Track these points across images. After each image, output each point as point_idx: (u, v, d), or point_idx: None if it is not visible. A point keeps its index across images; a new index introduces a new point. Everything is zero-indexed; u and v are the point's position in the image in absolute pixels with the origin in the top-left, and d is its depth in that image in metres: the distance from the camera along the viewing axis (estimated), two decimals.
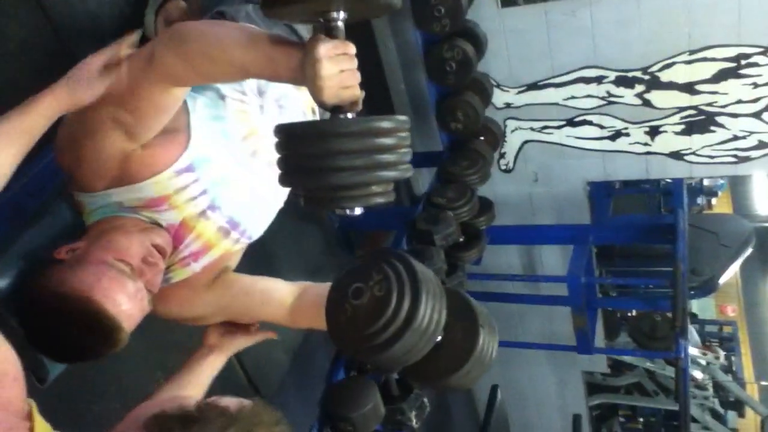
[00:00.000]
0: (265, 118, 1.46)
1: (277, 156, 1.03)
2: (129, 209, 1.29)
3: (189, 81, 1.19)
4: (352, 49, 1.01)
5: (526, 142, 4.04)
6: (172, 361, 2.18)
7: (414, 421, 3.18)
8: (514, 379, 5.24)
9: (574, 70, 3.67)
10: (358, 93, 1.02)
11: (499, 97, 3.85)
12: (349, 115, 1.02)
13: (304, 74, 0.99)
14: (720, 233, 4.67)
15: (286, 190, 1.59)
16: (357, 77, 1.02)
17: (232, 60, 1.07)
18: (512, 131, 4.01)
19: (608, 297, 5.34)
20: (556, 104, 3.83)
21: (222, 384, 2.44)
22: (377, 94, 3.59)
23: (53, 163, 1.35)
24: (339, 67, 0.98)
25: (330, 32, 1.00)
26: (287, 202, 1.61)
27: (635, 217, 5.67)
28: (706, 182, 6.47)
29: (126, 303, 1.17)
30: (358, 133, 1.00)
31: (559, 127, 3.92)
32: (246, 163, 1.42)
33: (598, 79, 3.68)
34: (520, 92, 3.85)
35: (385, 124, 1.02)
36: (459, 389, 1.27)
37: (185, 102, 1.29)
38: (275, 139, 1.06)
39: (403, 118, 1.07)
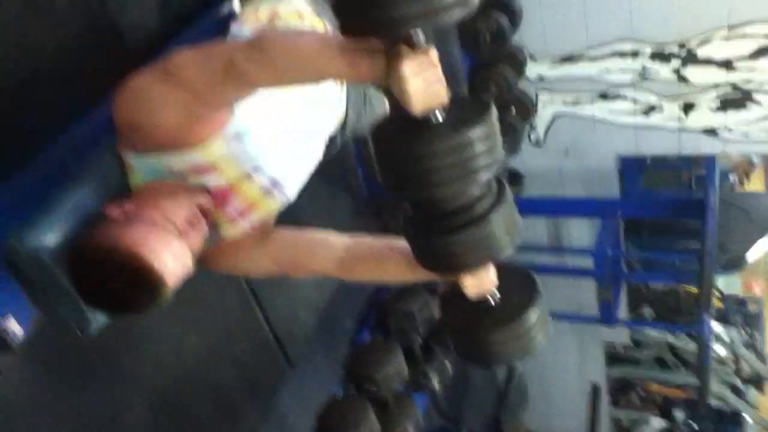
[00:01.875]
0: None
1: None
2: (176, 174, 1.36)
3: (269, 87, 1.24)
4: (434, 54, 1.00)
5: (557, 115, 4.04)
6: (204, 319, 2.28)
7: (436, 384, 3.28)
8: None
9: (610, 42, 3.64)
10: (444, 97, 1.02)
11: (532, 69, 3.83)
12: (437, 114, 1.02)
13: (390, 85, 1.02)
14: (751, 211, 4.61)
15: (320, 151, 1.65)
16: (443, 82, 1.01)
17: (315, 69, 1.11)
18: (544, 104, 4.00)
19: (634, 270, 5.34)
20: (590, 78, 3.80)
21: (250, 342, 2.56)
22: None
23: (98, 121, 1.41)
24: (424, 77, 0.99)
25: (410, 43, 0.98)
26: (318, 169, 1.66)
27: (665, 193, 5.63)
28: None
29: (171, 261, 1.23)
30: (452, 149, 1.01)
31: (592, 101, 3.90)
32: (286, 124, 1.48)
33: (634, 54, 3.65)
34: (554, 65, 3.83)
35: (477, 132, 1.01)
36: (495, 360, 1.27)
37: None
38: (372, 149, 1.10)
39: (491, 115, 1.05)
